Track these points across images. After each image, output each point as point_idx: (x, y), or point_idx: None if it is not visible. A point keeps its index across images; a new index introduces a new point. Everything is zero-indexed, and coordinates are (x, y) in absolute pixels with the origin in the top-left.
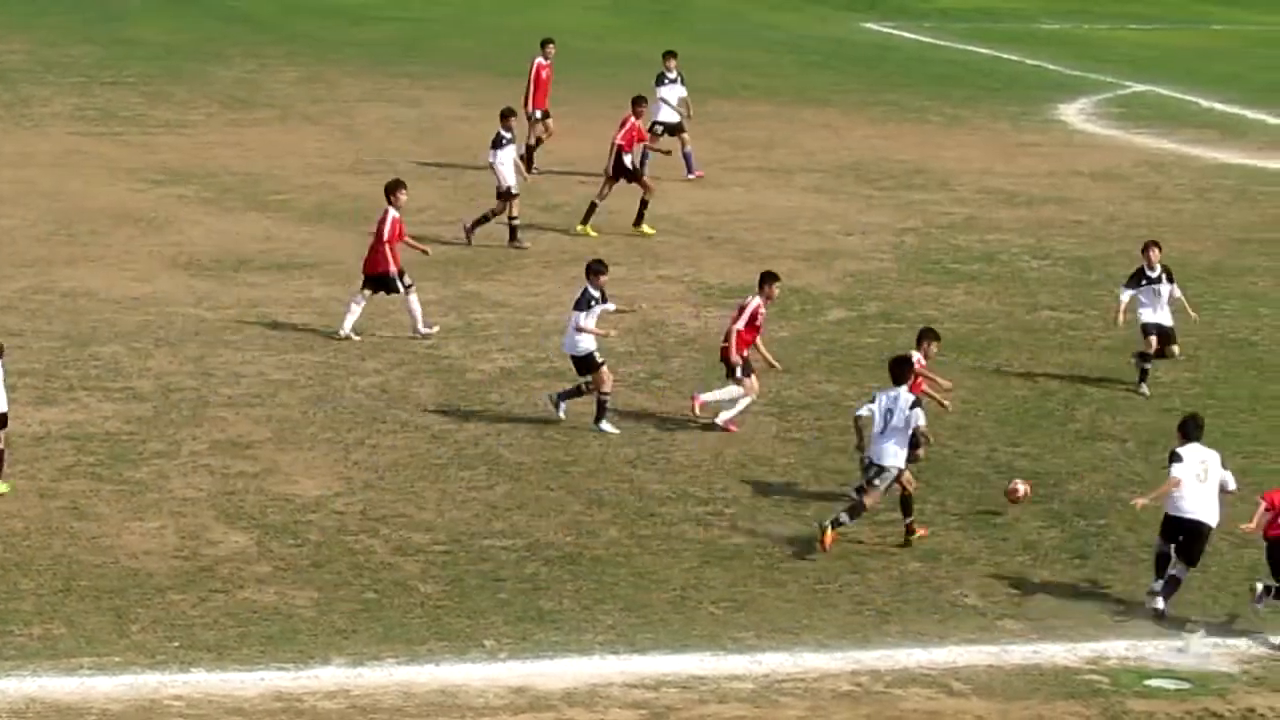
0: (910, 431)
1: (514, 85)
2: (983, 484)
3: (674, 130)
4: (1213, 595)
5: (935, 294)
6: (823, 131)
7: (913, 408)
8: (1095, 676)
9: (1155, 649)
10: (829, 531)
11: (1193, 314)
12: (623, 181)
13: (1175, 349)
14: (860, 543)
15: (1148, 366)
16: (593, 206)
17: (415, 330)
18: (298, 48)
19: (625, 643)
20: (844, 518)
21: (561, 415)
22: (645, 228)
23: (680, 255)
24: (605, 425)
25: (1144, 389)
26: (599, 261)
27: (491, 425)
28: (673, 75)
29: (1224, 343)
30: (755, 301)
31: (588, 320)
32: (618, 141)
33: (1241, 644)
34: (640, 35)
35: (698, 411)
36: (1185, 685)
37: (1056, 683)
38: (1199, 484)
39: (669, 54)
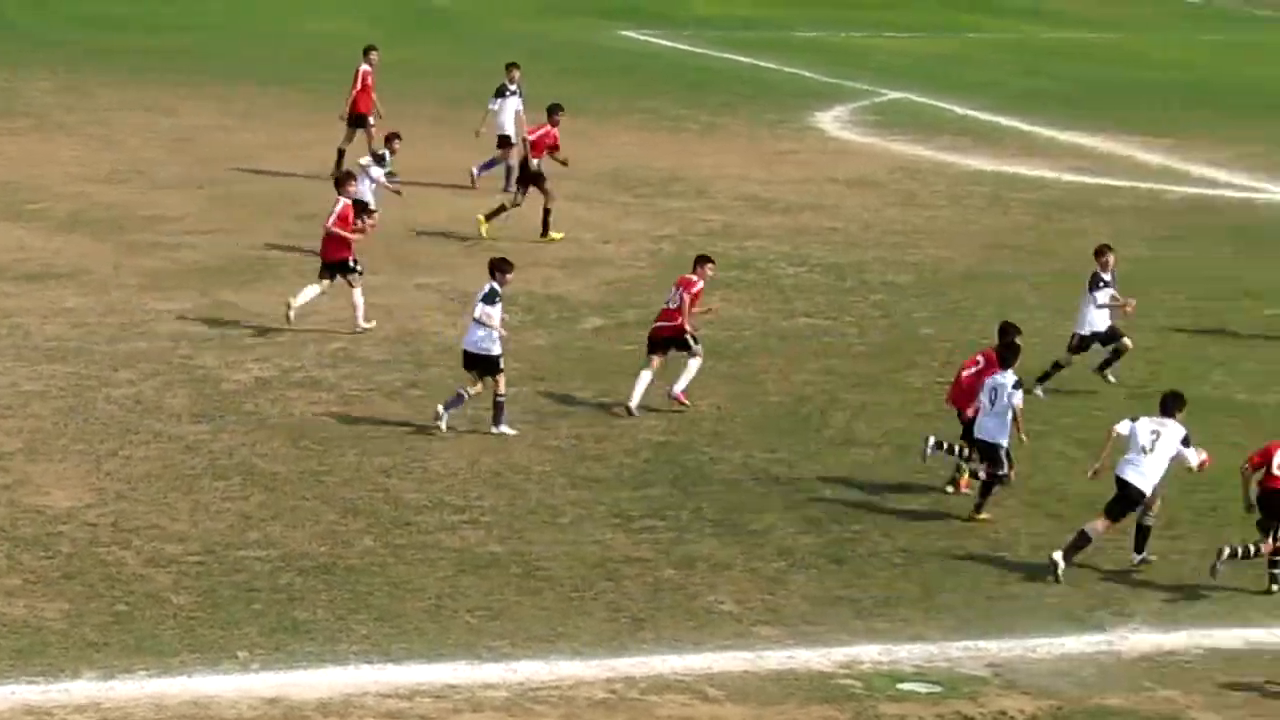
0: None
1: (273, 95)
2: (738, 490)
3: (506, 143)
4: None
5: None
6: (579, 139)
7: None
8: (849, 681)
9: (909, 653)
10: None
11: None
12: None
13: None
14: (622, 556)
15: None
16: (533, 215)
17: (357, 325)
18: (54, 56)
19: (380, 652)
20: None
21: (444, 426)
22: (554, 234)
23: (439, 264)
24: (504, 428)
25: (1038, 391)
26: (504, 260)
27: (246, 435)
28: (513, 88)
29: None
30: (700, 284)
31: (492, 314)
32: (528, 142)
33: (993, 646)
34: (397, 43)
35: (685, 402)
36: (937, 688)
37: (810, 687)
38: (1144, 454)
39: (512, 65)
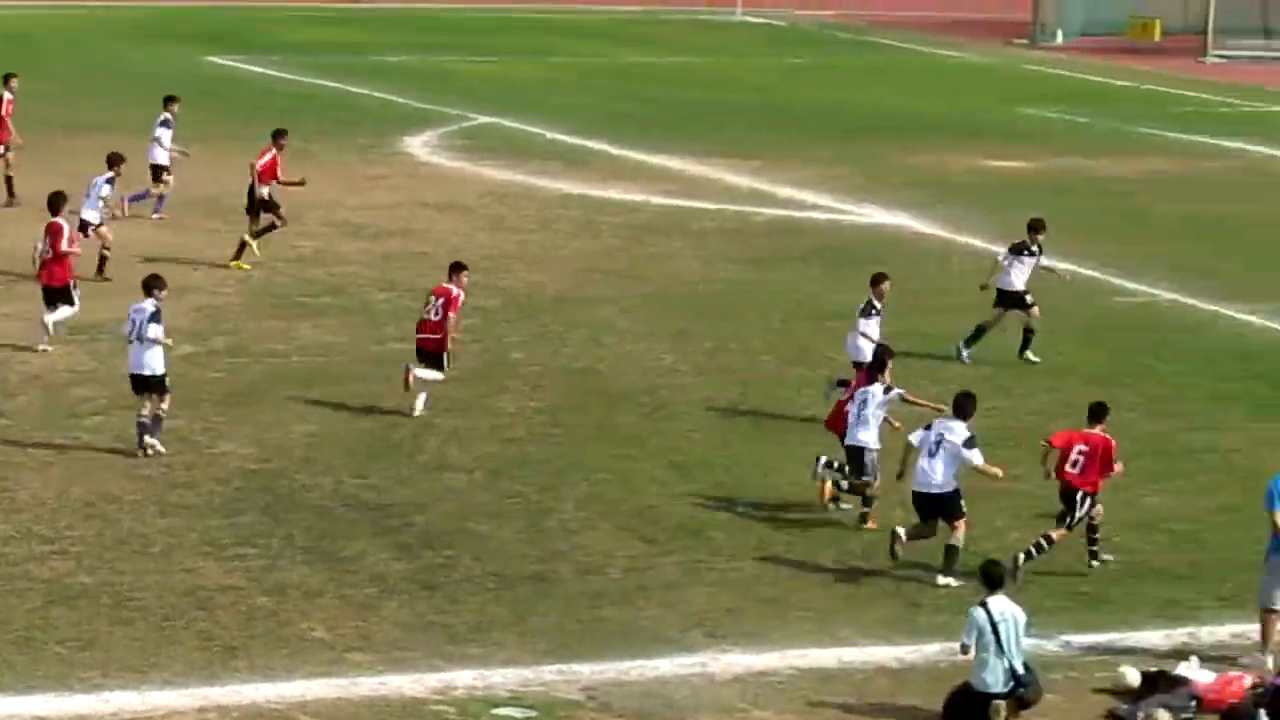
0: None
1: None
2: (330, 517)
3: (160, 174)
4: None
5: (283, 328)
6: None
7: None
8: (443, 706)
9: (503, 677)
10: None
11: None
12: (263, 213)
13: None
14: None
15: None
16: (244, 243)
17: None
18: None
19: None
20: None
21: (154, 450)
22: (254, 249)
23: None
24: (156, 442)
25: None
26: (157, 276)
27: None
28: (169, 118)
29: (568, 372)
30: (458, 292)
31: (160, 332)
32: (255, 168)
33: (586, 669)
34: None
35: (412, 384)
36: (532, 713)
37: (404, 713)
38: (928, 456)
39: (170, 99)
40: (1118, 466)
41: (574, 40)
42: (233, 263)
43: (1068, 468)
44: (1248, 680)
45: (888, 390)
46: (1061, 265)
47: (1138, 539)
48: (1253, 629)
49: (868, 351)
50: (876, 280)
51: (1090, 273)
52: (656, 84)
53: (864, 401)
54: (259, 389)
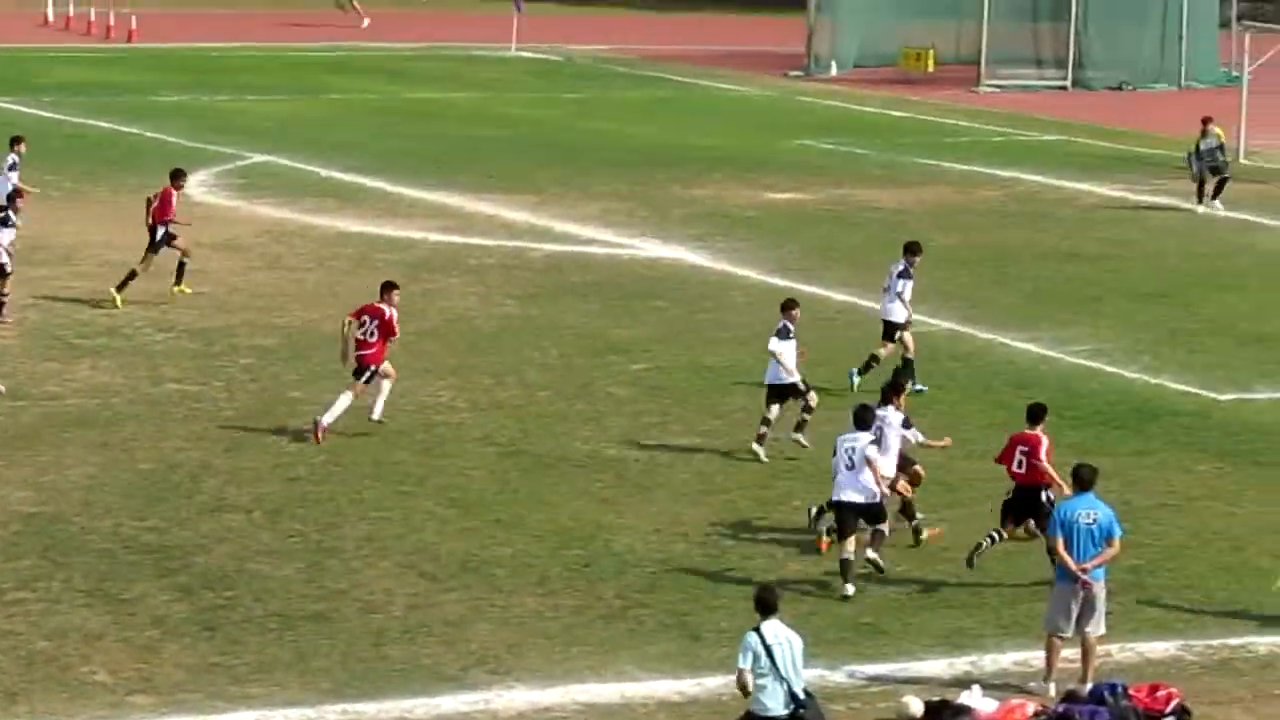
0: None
1: None
2: (110, 559)
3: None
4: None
5: (59, 369)
6: None
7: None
8: None
9: (286, 718)
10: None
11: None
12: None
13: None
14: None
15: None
16: (133, 274)
17: None
18: None
19: None
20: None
21: None
22: (184, 287)
23: None
24: None
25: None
26: None
27: None
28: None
29: (347, 410)
30: (390, 311)
31: None
32: (155, 208)
33: (370, 709)
34: None
35: (320, 441)
36: None
37: None
38: (847, 470)
39: (17, 139)
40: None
41: (349, 77)
42: (175, 289)
43: (1014, 468)
44: (1030, 708)
45: (906, 424)
46: (839, 297)
47: (920, 568)
48: (1035, 656)
49: (784, 374)
50: (788, 306)
51: (869, 304)
52: (433, 120)
53: (880, 429)
54: (36, 431)
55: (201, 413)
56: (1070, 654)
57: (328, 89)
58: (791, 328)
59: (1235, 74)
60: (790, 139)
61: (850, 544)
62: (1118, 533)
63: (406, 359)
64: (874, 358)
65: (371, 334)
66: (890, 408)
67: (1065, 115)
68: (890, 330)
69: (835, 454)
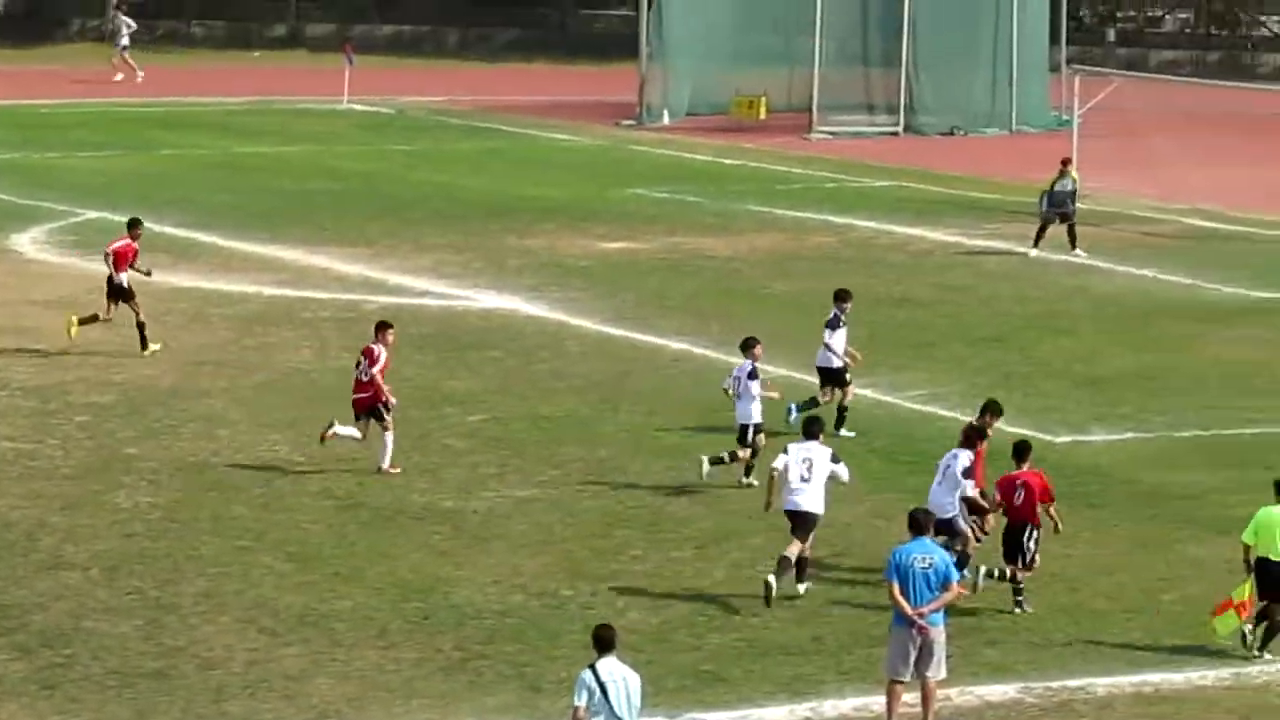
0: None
1: None
2: None
3: None
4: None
5: None
6: None
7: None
8: None
9: None
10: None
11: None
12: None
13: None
14: None
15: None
16: (94, 316)
17: None
18: None
19: None
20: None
21: None
22: (153, 345)
23: None
24: None
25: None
26: None
27: None
28: None
29: (184, 466)
30: (380, 350)
31: None
32: (110, 255)
33: None
34: None
35: (395, 471)
36: None
37: None
38: (803, 481)
39: None
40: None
41: (180, 133)
42: (145, 352)
43: (1016, 503)
44: None
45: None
46: (675, 345)
47: (759, 615)
48: (876, 701)
49: (756, 414)
50: (748, 344)
51: (704, 351)
52: (266, 174)
53: (948, 466)
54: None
55: (37, 470)
56: (911, 699)
57: (159, 144)
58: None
59: (1066, 118)
60: (623, 188)
61: (795, 548)
62: (954, 577)
63: (243, 413)
64: (814, 400)
65: (365, 374)
66: (966, 451)
67: (897, 161)
68: (829, 377)
69: (787, 463)
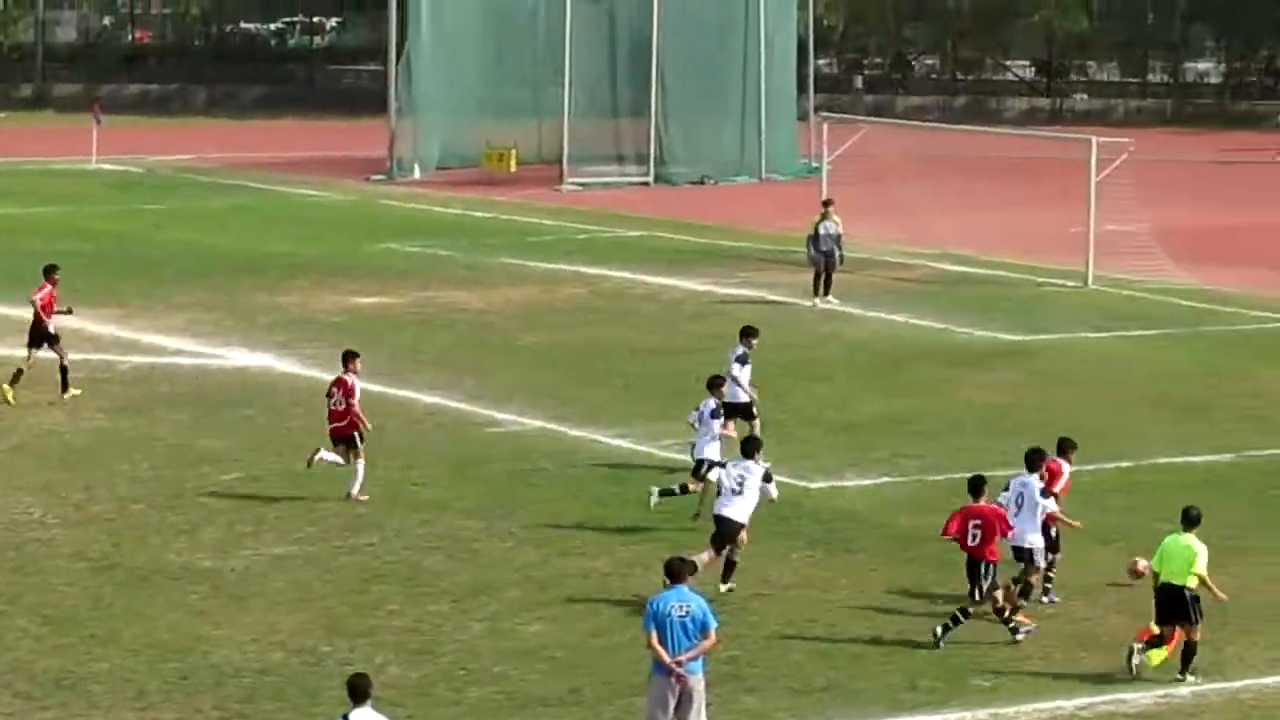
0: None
1: None
2: None
3: None
4: None
5: None
6: None
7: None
8: None
9: None
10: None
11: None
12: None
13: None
14: None
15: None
16: (19, 372)
17: None
18: None
19: None
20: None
21: None
22: (73, 390)
23: None
24: None
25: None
26: None
27: None
28: None
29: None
30: (351, 378)
31: None
32: (36, 304)
33: None
34: None
35: (363, 499)
36: None
37: None
38: (734, 494)
39: None
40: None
41: None
42: (64, 395)
43: (969, 542)
44: None
45: (1045, 493)
46: (428, 399)
47: (518, 668)
48: None
49: (714, 452)
50: (714, 383)
51: (458, 404)
52: (15, 236)
53: (1020, 495)
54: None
55: None
56: None
57: None
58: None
59: (815, 165)
60: (375, 243)
61: (707, 556)
62: (713, 624)
63: None
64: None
65: (339, 403)
66: (1034, 476)
67: (649, 211)
68: (736, 410)
69: (722, 476)
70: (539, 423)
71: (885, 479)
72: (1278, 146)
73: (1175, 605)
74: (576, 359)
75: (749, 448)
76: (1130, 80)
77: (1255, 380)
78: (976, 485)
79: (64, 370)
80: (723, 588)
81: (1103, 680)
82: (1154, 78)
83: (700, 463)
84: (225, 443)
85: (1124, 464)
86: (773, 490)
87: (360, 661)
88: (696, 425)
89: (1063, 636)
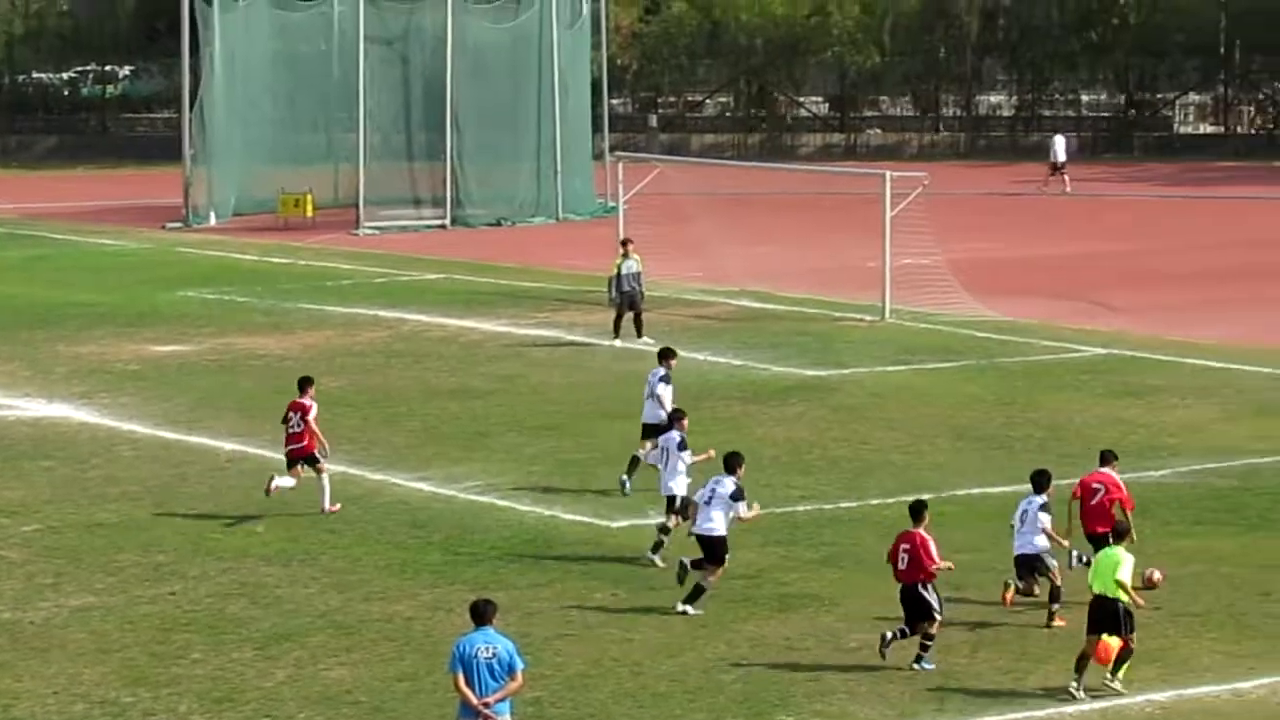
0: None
1: None
2: None
3: None
4: None
5: None
6: None
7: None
8: None
9: None
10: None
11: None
12: None
13: None
14: None
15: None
16: None
17: None
18: None
19: None
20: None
21: None
22: None
23: None
24: None
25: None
26: None
27: None
28: None
29: None
30: (310, 404)
31: None
32: None
33: None
34: None
35: (336, 509)
36: None
37: None
38: (707, 506)
39: None
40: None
41: None
42: None
43: (899, 566)
44: None
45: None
46: (229, 446)
47: (323, 713)
48: None
49: (682, 487)
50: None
51: (259, 451)
52: None
53: (1025, 512)
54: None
55: None
56: None
57: None
58: (679, 443)
59: (611, 205)
60: (172, 291)
61: (716, 576)
62: (519, 665)
63: None
64: (635, 459)
65: (297, 424)
66: (1041, 496)
67: (446, 254)
68: (649, 431)
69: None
70: (340, 467)
71: None
72: (1043, 177)
73: (1107, 617)
74: (376, 402)
75: (730, 462)
76: (924, 114)
77: (1051, 410)
78: (917, 510)
79: None
80: (690, 609)
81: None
82: (947, 111)
83: (671, 499)
84: (23, 494)
85: (925, 495)
86: (742, 508)
87: (163, 711)
88: (660, 463)
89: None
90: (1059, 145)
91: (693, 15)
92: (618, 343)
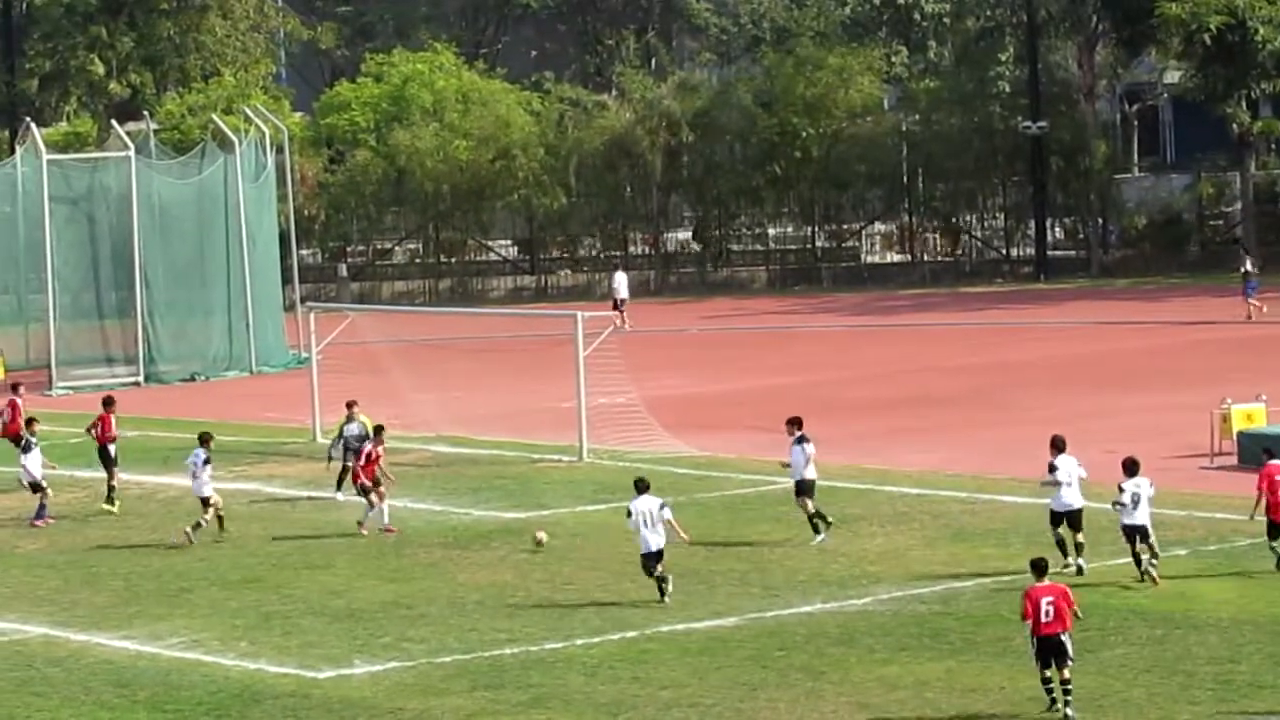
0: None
1: None
2: None
3: None
4: None
5: None
6: None
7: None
8: None
9: None
10: None
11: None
12: None
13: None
14: None
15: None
16: None
17: None
18: None
19: None
20: None
21: None
22: None
23: None
24: None
25: None
26: None
27: None
28: None
29: None
30: (370, 446)
31: None
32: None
33: None
34: None
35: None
36: None
37: None
38: (647, 527)
39: None
40: None
41: None
42: None
43: (1044, 620)
44: None
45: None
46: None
47: None
48: None
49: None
50: (641, 484)
51: None
52: None
53: (1136, 495)
54: None
55: None
56: None
57: None
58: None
59: (305, 355)
60: None
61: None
62: None
63: None
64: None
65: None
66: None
67: (141, 411)
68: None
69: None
70: (42, 629)
71: (393, 664)
72: (620, 316)
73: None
74: (76, 562)
75: (641, 485)
76: (613, 254)
77: (750, 543)
78: (1040, 567)
79: None
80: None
81: None
82: (635, 250)
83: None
84: None
85: (629, 634)
86: (668, 514)
87: None
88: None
89: None
90: (619, 282)
91: (378, 163)
92: (339, 496)
